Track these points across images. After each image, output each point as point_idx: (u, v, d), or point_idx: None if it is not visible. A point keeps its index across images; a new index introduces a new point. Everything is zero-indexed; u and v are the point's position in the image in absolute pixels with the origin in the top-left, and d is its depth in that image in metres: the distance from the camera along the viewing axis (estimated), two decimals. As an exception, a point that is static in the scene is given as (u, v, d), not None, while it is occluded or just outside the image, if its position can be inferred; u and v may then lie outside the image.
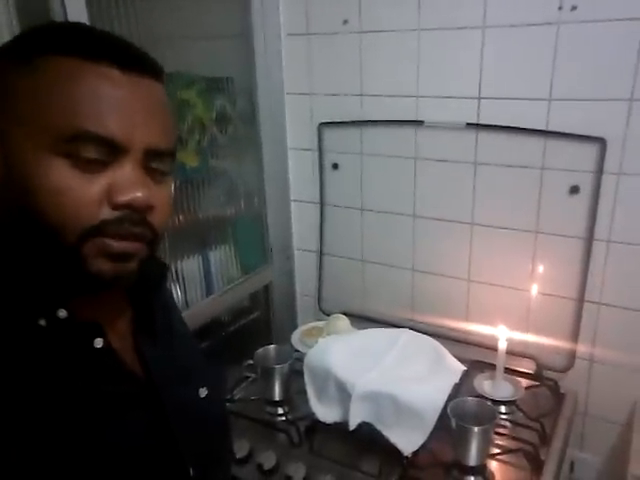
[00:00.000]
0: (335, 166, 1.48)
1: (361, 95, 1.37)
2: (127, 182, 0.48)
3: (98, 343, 0.52)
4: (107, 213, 0.48)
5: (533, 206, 1.25)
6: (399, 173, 1.39)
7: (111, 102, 0.48)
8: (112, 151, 0.48)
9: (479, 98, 1.23)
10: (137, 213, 0.49)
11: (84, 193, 0.47)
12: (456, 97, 1.26)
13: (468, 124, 1.25)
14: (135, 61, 0.50)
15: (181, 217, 1.29)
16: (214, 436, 0.65)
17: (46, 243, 0.47)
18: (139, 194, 0.48)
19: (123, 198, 0.48)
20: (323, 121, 1.45)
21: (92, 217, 0.47)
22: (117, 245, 0.48)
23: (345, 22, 1.33)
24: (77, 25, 0.55)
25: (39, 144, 0.46)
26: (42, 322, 0.49)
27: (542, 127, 1.18)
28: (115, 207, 0.48)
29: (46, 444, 0.47)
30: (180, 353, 0.65)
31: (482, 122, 1.24)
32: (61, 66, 0.47)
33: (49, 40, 0.49)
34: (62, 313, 0.50)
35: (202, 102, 1.29)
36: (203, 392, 0.63)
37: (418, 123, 1.31)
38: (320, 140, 1.47)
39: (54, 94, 0.47)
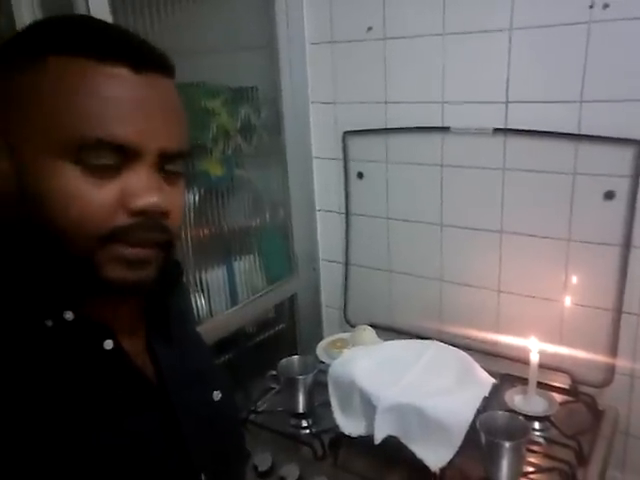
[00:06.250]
0: (360, 175, 1.46)
1: (386, 102, 1.35)
2: (142, 187, 0.47)
3: (108, 345, 0.51)
4: (121, 219, 0.46)
5: (565, 213, 1.20)
6: (425, 181, 1.36)
7: (122, 105, 0.46)
8: (125, 156, 0.46)
9: (507, 102, 1.20)
10: (152, 219, 0.48)
11: (95, 199, 0.45)
12: (483, 102, 1.22)
13: (495, 129, 1.22)
14: (147, 59, 0.48)
15: (206, 227, 1.29)
16: (227, 440, 0.64)
17: (58, 250, 0.46)
18: (154, 199, 0.47)
19: (138, 204, 0.46)
20: (348, 129, 1.43)
21: (105, 224, 0.46)
22: (132, 252, 0.47)
23: (369, 29, 1.31)
24: (85, 19, 0.52)
25: (48, 150, 0.45)
26: (49, 323, 0.48)
27: (573, 130, 1.14)
28: (130, 213, 0.46)
29: (52, 446, 0.46)
30: (193, 356, 0.63)
31: (510, 127, 1.21)
32: (67, 67, 0.45)
33: (55, 36, 0.46)
34: (68, 315, 0.48)
35: (227, 111, 1.29)
36: (217, 395, 0.62)
37: (444, 130, 1.28)
38: (345, 149, 1.45)
39: (60, 98, 0.45)
